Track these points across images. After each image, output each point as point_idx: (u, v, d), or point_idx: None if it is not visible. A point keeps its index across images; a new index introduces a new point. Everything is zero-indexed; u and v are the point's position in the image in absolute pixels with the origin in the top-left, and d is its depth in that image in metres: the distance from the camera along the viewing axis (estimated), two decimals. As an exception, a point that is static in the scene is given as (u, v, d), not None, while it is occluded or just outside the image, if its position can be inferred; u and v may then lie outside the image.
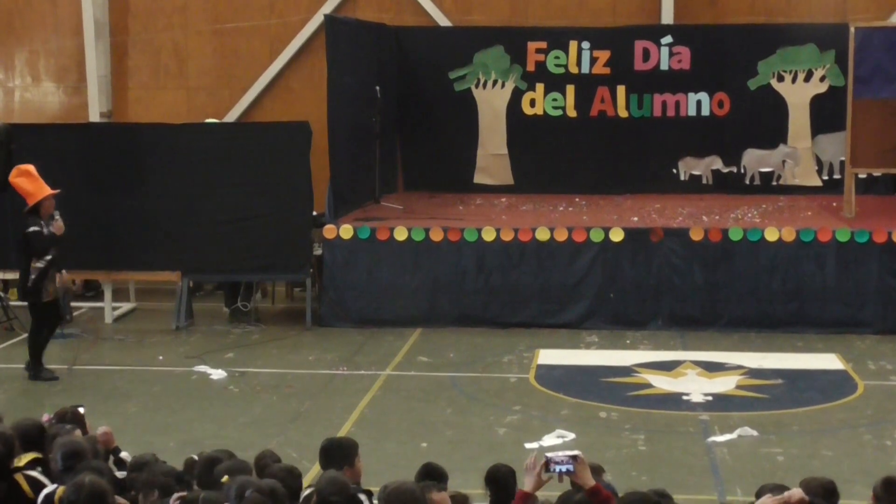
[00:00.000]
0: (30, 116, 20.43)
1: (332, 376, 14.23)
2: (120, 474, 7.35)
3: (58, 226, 14.13)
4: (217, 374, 14.21)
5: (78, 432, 7.84)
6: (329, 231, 16.63)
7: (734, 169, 20.09)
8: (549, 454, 5.92)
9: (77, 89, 21.18)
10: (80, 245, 16.69)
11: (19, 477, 6.82)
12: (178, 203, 16.61)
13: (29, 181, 14.21)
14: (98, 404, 12.00)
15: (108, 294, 17.27)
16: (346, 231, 16.58)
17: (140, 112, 20.58)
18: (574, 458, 5.91)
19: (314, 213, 17.12)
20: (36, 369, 14.01)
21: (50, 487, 6.66)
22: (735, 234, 16.21)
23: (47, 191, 14.10)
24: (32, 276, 14.00)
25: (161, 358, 14.98)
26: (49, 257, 14.06)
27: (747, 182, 20.08)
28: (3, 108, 21.34)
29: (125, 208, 16.60)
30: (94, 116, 20.48)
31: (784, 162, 20.04)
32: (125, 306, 17.97)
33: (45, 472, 6.95)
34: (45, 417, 8.39)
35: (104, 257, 16.83)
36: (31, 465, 7.01)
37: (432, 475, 7.32)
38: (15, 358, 15.00)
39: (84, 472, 6.28)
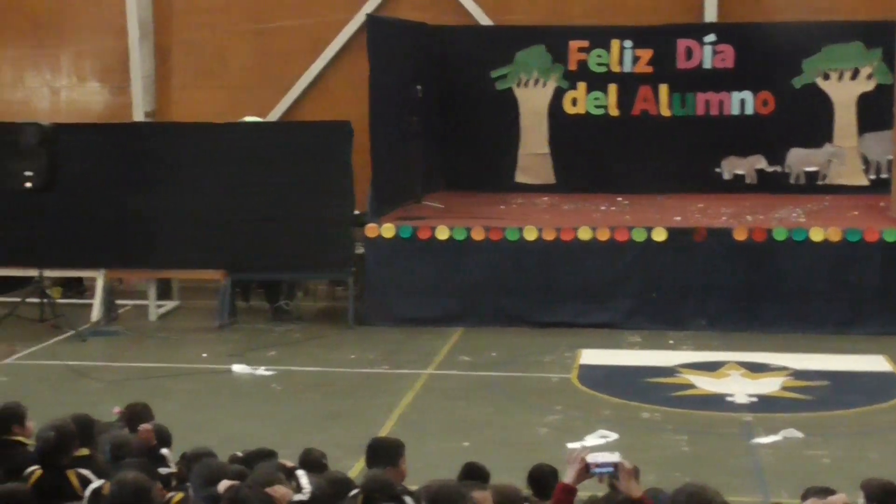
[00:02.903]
0: (75, 116, 20.56)
1: (373, 375, 14.24)
2: (164, 470, 7.39)
3: None
4: (241, 368, 14.29)
5: (126, 430, 7.90)
6: (371, 230, 16.64)
7: (778, 168, 19.96)
8: (589, 458, 5.88)
9: (122, 89, 21.30)
10: (125, 243, 16.83)
11: (71, 473, 6.88)
12: (220, 202, 16.68)
13: None
14: (142, 401, 12.05)
15: (152, 292, 17.36)
16: (388, 230, 16.59)
17: (183, 112, 20.67)
18: (615, 465, 5.87)
19: (356, 212, 17.14)
20: None
21: (97, 483, 6.72)
22: (779, 235, 16.10)
23: None
24: None
25: (204, 356, 15.04)
26: None
27: (792, 181, 19.94)
28: (50, 108, 21.49)
29: (169, 207, 16.69)
30: (139, 116, 20.60)
31: (829, 161, 19.88)
32: (169, 304, 18.06)
33: (93, 469, 7.02)
34: (116, 409, 8.47)
35: (148, 256, 16.92)
36: (81, 460, 7.07)
37: (474, 475, 7.30)
38: (60, 355, 15.11)
39: (127, 469, 6.33)
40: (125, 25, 20.70)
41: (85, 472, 6.93)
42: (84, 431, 7.32)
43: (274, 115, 20.75)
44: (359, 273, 16.90)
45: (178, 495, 6.63)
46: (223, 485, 6.05)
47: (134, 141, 17.23)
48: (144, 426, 7.92)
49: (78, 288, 19.00)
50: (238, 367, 14.41)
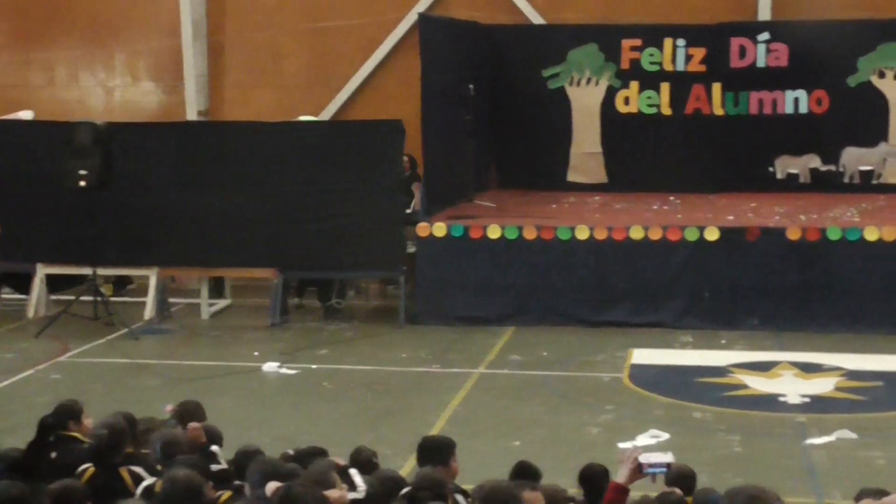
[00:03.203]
0: (129, 115, 20.71)
1: (424, 374, 14.25)
2: (214, 467, 7.43)
3: None
4: (269, 366, 14.40)
5: (179, 428, 7.94)
6: (422, 229, 16.64)
7: (833, 167, 19.79)
8: (642, 458, 5.86)
9: (175, 88, 21.46)
10: (178, 242, 16.95)
11: (123, 471, 6.94)
12: (272, 200, 16.74)
13: None
14: (193, 399, 12.12)
15: (204, 291, 17.46)
16: (440, 229, 16.59)
17: (236, 110, 20.78)
18: (668, 465, 5.85)
19: (407, 210, 17.15)
20: None
21: (149, 480, 6.77)
22: (833, 234, 15.96)
23: None
24: None
25: (256, 354, 15.10)
26: None
27: (846, 181, 19.76)
28: (104, 107, 21.68)
29: (221, 206, 16.77)
30: (192, 115, 20.73)
31: (885, 160, 19.68)
32: (221, 303, 18.15)
33: (145, 466, 7.07)
34: (169, 408, 8.53)
35: (201, 254, 17.01)
36: (129, 458, 7.13)
37: (525, 474, 7.30)
38: (114, 353, 15.23)
39: (178, 466, 6.37)
40: (178, 25, 20.84)
41: (137, 469, 6.99)
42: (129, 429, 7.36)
43: (326, 114, 20.83)
44: (410, 272, 16.91)
45: (227, 493, 6.66)
46: (270, 487, 6.07)
47: (187, 140, 17.33)
48: (193, 424, 7.96)
49: (126, 285, 19.13)
50: (267, 366, 14.48)
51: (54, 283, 17.61)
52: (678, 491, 6.85)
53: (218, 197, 16.76)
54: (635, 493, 6.37)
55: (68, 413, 7.90)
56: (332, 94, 21.02)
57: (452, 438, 7.32)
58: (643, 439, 11.38)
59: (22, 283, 17.65)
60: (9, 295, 18.13)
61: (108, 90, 21.94)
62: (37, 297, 17.28)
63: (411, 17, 20.19)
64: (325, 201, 16.70)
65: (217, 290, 18.34)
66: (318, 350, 15.40)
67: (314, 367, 14.51)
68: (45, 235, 17.02)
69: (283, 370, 14.33)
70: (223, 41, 21.36)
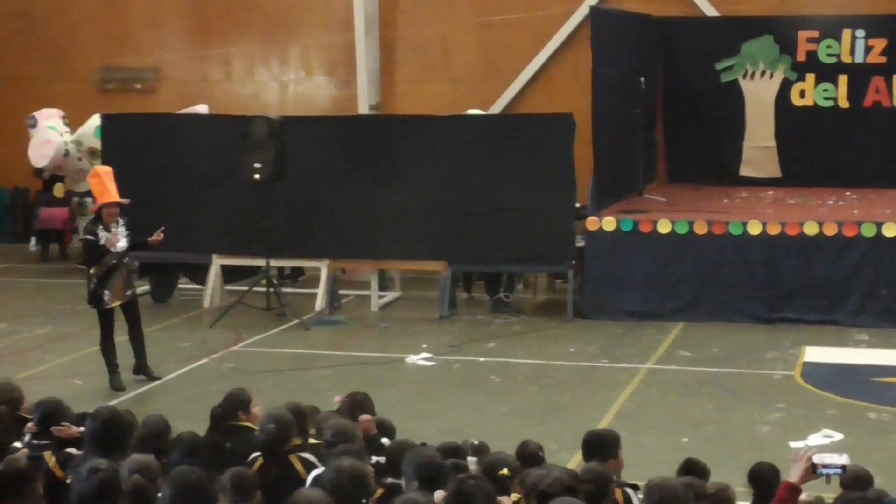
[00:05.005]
0: (302, 109, 21.06)
1: (592, 368, 14.17)
2: (380, 459, 7.50)
3: (111, 238, 12.88)
4: (413, 358, 14.48)
5: (347, 418, 8.02)
6: (592, 223, 16.55)
7: None
8: (816, 458, 5.72)
9: (347, 82, 21.75)
10: (349, 234, 17.15)
11: (293, 458, 7.05)
12: (442, 193, 16.82)
13: (97, 184, 13.16)
14: (362, 391, 12.25)
15: (374, 283, 17.63)
16: (609, 223, 16.48)
17: (407, 104, 20.96)
18: (843, 466, 5.71)
19: (577, 204, 17.08)
20: (110, 375, 13.18)
21: (319, 469, 6.85)
22: None
23: (108, 198, 12.98)
24: (91, 285, 13.02)
25: (424, 346, 15.19)
26: (109, 265, 12.95)
27: None
28: (278, 101, 22.10)
29: (392, 199, 16.91)
30: (364, 109, 20.97)
31: None
32: (390, 295, 18.31)
33: (314, 455, 7.17)
34: (337, 398, 8.64)
35: (371, 246, 17.19)
36: (297, 449, 7.23)
37: (694, 471, 7.22)
38: (286, 343, 15.49)
39: (344, 456, 6.44)
40: (351, 20, 21.11)
41: (307, 455, 7.09)
42: (297, 421, 7.45)
43: (496, 108, 20.88)
44: (579, 266, 16.85)
45: (379, 491, 6.66)
46: (438, 495, 6.08)
47: (358, 133, 17.53)
48: (364, 416, 8.05)
49: (298, 276, 19.41)
50: (411, 358, 14.57)
51: (229, 274, 17.99)
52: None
53: (389, 190, 16.91)
54: (809, 494, 6.23)
55: (237, 403, 8.05)
56: (502, 88, 21.06)
57: (617, 432, 7.26)
58: (815, 439, 11.14)
59: (198, 274, 18.08)
60: (186, 285, 18.59)
61: (282, 84, 22.35)
62: (212, 288, 17.66)
63: (582, 11, 20.11)
64: (495, 195, 16.72)
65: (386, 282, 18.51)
66: (486, 343, 15.44)
67: (482, 360, 14.57)
68: (220, 227, 17.40)
69: (425, 362, 14.41)
70: (394, 36, 21.57)
